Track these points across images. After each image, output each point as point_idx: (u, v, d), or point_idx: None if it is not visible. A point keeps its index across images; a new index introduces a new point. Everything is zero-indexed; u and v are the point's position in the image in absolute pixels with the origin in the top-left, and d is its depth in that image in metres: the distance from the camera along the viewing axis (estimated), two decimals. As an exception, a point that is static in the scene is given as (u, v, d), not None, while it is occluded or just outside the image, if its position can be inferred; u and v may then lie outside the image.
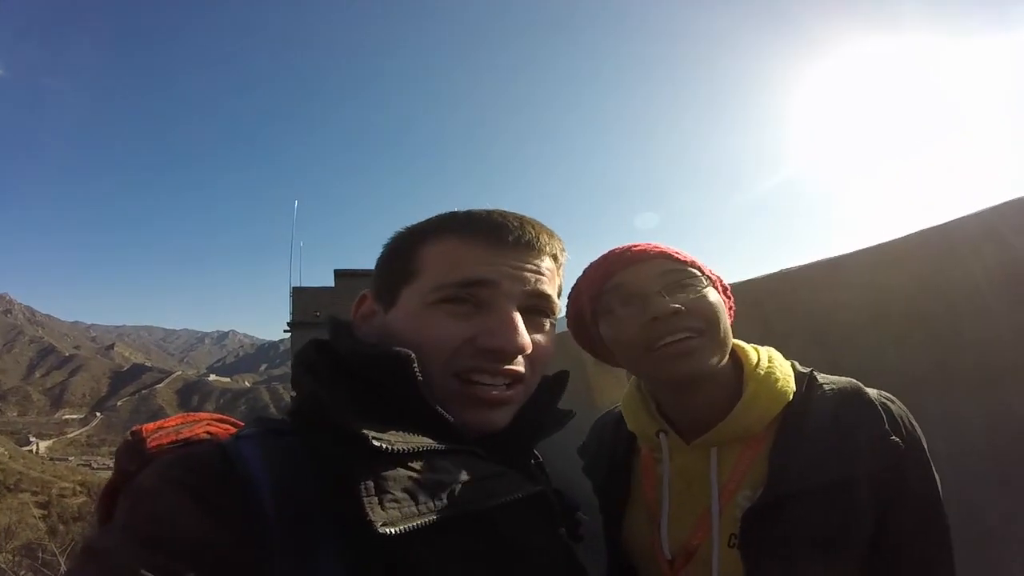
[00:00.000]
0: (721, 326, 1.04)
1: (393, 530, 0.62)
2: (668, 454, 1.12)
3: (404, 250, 0.85)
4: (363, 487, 0.64)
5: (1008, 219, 1.58)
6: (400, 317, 0.82)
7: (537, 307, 0.84)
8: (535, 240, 0.83)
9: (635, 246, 1.09)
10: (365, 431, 0.67)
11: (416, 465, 0.69)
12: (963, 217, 1.71)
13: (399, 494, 0.65)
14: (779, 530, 0.97)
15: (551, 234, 0.87)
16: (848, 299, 2.00)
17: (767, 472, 1.01)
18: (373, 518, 0.62)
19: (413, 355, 0.74)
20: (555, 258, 0.87)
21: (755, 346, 1.16)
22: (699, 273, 1.07)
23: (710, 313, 1.03)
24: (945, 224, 1.75)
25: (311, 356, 0.80)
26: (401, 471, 0.67)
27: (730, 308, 1.15)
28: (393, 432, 0.69)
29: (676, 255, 1.07)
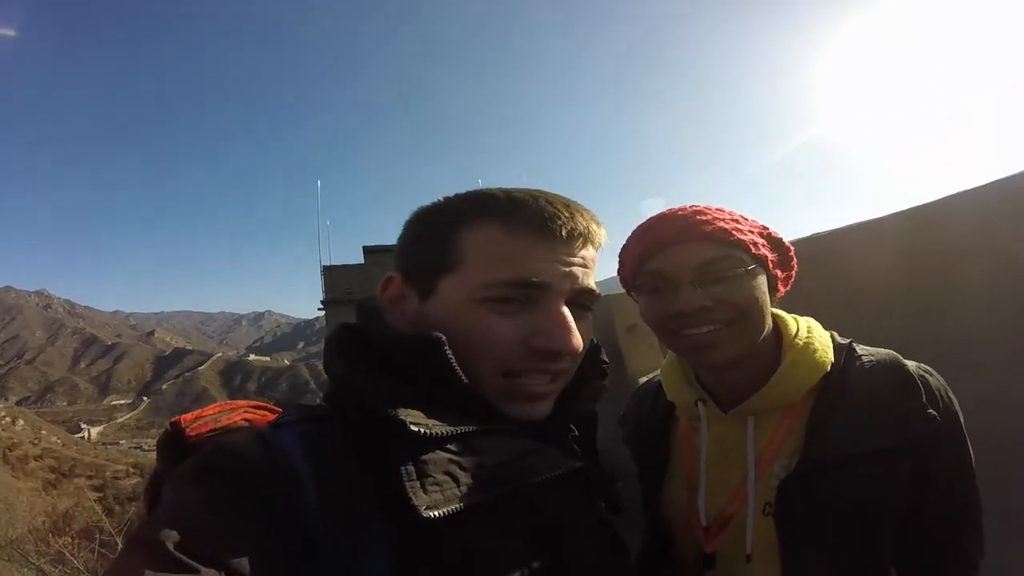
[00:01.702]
0: (753, 317, 1.01)
1: (436, 513, 0.63)
2: (706, 423, 1.12)
3: (439, 234, 0.80)
4: (404, 472, 0.65)
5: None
6: (441, 310, 0.78)
7: (582, 302, 0.82)
8: (585, 231, 0.79)
9: (680, 216, 1.04)
10: (403, 416, 0.67)
11: (455, 447, 0.69)
12: (1008, 177, 1.62)
13: (440, 477, 0.66)
14: (814, 500, 0.97)
15: (598, 222, 0.83)
16: (883, 265, 1.93)
17: (804, 442, 1.01)
18: (416, 502, 0.63)
19: (443, 337, 0.73)
20: (598, 246, 0.84)
21: (795, 316, 1.14)
22: (744, 256, 1.02)
23: (743, 305, 1.00)
24: (989, 184, 1.67)
25: (342, 341, 0.79)
26: (441, 454, 0.68)
27: (787, 276, 1.12)
28: (429, 416, 0.69)
29: (720, 236, 1.01)
